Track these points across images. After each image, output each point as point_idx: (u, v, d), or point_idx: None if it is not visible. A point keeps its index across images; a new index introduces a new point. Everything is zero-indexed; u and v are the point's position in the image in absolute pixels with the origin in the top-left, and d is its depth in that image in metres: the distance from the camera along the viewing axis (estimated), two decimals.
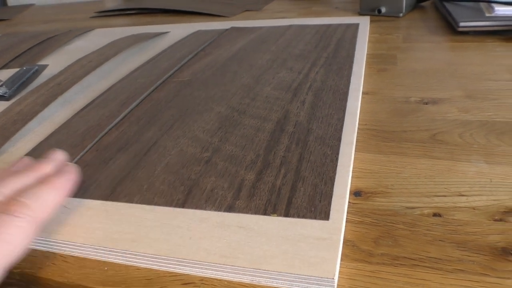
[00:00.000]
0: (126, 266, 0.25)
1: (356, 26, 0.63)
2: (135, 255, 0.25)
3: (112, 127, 0.38)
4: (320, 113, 0.37)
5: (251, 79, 0.45)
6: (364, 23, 0.64)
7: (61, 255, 0.26)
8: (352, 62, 0.48)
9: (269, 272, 0.22)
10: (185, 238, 0.25)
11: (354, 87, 0.41)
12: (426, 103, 0.40)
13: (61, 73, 0.53)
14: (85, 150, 0.34)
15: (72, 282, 0.24)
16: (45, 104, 0.44)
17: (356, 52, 0.51)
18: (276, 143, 0.33)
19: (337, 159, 0.30)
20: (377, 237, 0.25)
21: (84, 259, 0.26)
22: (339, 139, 0.33)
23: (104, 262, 0.25)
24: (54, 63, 0.61)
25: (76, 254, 0.26)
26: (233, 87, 0.43)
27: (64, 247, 0.26)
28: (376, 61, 0.52)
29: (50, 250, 0.27)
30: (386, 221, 0.26)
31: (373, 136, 0.36)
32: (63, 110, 0.45)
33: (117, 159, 0.33)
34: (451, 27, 0.62)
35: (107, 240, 0.25)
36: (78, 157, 0.34)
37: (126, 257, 0.25)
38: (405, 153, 0.33)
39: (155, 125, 0.37)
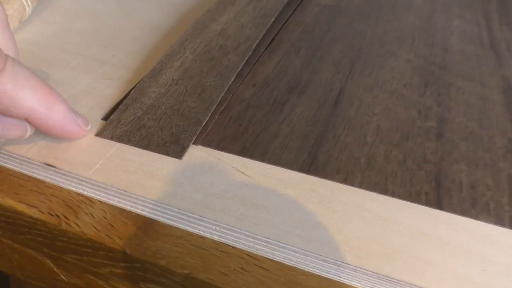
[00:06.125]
0: None
1: None
2: (395, 284, 0.15)
3: (257, 46, 0.26)
4: None
5: (421, 20, 0.34)
6: None
7: (251, 255, 0.16)
8: None
9: None
10: (476, 269, 0.15)
11: None
12: None
13: None
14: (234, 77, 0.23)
15: None
16: None
17: None
18: None
19: None
20: None
21: (294, 268, 0.16)
22: None
23: (327, 279, 0.16)
24: None
25: (281, 260, 0.16)
26: (402, 26, 0.32)
27: (263, 246, 0.16)
28: None
29: (236, 245, 0.16)
30: None
31: None
32: None
33: (295, 105, 0.22)
34: None
35: (350, 252, 0.16)
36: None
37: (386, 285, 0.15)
38: None
39: (326, 61, 0.26)
